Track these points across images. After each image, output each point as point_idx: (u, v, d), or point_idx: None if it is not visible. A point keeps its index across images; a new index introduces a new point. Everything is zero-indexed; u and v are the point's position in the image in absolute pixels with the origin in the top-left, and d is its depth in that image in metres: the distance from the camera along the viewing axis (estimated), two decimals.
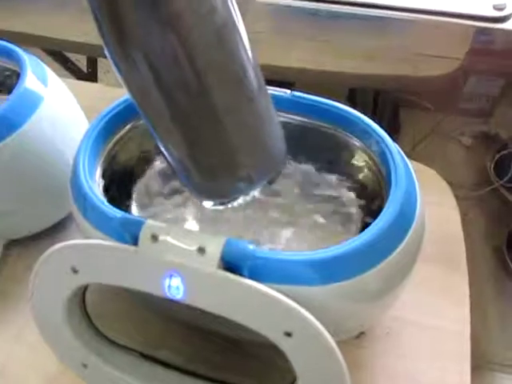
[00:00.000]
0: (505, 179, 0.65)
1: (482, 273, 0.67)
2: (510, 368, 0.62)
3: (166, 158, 0.25)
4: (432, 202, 0.40)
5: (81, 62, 0.71)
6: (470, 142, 0.69)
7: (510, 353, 0.63)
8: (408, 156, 0.28)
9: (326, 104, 0.28)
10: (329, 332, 0.22)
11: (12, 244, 0.38)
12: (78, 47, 0.64)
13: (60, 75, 0.38)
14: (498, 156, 0.67)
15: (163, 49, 0.20)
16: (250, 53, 0.22)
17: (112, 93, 0.35)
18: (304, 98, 0.29)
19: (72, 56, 0.70)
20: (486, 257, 0.68)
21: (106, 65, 0.66)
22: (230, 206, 0.26)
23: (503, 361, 0.62)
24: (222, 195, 0.26)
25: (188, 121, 0.23)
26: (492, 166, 0.68)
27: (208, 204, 0.27)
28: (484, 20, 0.41)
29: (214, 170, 0.25)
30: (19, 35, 0.63)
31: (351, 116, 0.27)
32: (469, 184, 0.69)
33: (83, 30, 0.60)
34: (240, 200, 0.26)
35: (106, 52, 0.21)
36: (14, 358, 0.33)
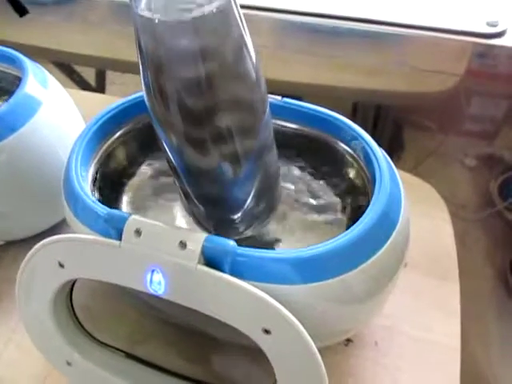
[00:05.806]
0: (508, 201, 0.65)
1: (484, 295, 0.66)
2: None
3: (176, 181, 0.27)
4: (425, 215, 0.41)
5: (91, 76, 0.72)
6: (473, 163, 0.69)
7: (510, 375, 0.61)
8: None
9: (315, 110, 0.29)
10: (313, 335, 0.22)
11: (8, 246, 0.39)
12: (86, 60, 0.66)
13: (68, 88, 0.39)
14: (502, 178, 0.67)
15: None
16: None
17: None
18: (295, 105, 0.30)
19: (82, 71, 0.72)
20: (488, 279, 0.67)
21: (112, 77, 0.67)
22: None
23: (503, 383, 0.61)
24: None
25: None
26: (496, 187, 0.67)
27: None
28: (478, 36, 0.42)
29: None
30: (27, 48, 0.65)
31: (337, 121, 0.28)
32: (472, 205, 0.68)
33: (90, 42, 0.62)
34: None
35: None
36: (3, 361, 0.33)
